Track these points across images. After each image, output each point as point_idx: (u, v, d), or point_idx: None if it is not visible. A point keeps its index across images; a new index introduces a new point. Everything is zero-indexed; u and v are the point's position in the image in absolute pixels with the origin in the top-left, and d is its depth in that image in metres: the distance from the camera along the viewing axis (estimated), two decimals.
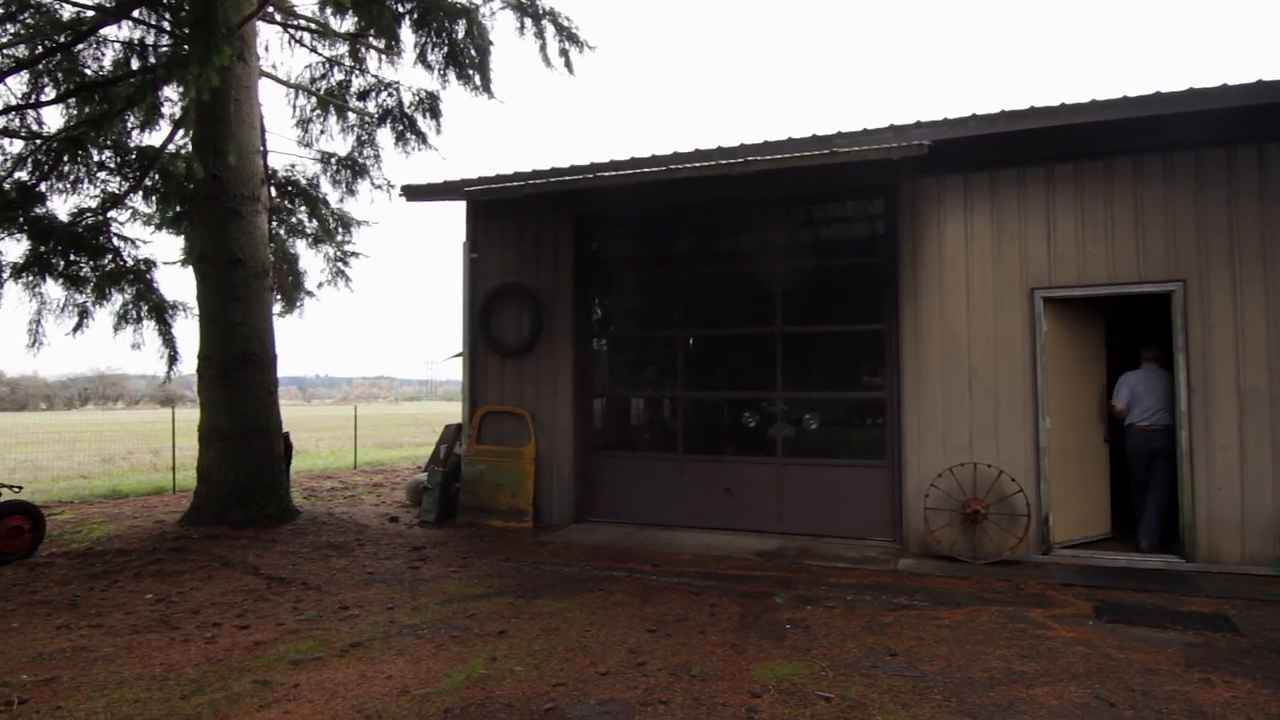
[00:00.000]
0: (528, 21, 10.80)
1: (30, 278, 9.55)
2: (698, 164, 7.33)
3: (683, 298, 9.44)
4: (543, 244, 9.16)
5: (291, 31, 11.27)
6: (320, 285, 12.98)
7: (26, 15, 8.39)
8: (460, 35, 10.28)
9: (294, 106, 12.01)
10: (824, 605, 5.56)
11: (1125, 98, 6.32)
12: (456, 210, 9.62)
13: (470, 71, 10.55)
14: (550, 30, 10.88)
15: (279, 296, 12.18)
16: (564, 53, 11.01)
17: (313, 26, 11.18)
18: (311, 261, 12.58)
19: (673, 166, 7.38)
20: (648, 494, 8.83)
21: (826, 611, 5.41)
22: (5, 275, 9.37)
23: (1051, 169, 7.04)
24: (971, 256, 7.26)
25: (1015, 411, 7.04)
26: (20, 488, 8.13)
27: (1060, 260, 6.97)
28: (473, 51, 10.41)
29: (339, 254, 13.06)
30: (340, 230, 12.85)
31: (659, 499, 8.77)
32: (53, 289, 9.82)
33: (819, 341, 10.52)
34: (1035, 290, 7.02)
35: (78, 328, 10.19)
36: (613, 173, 7.76)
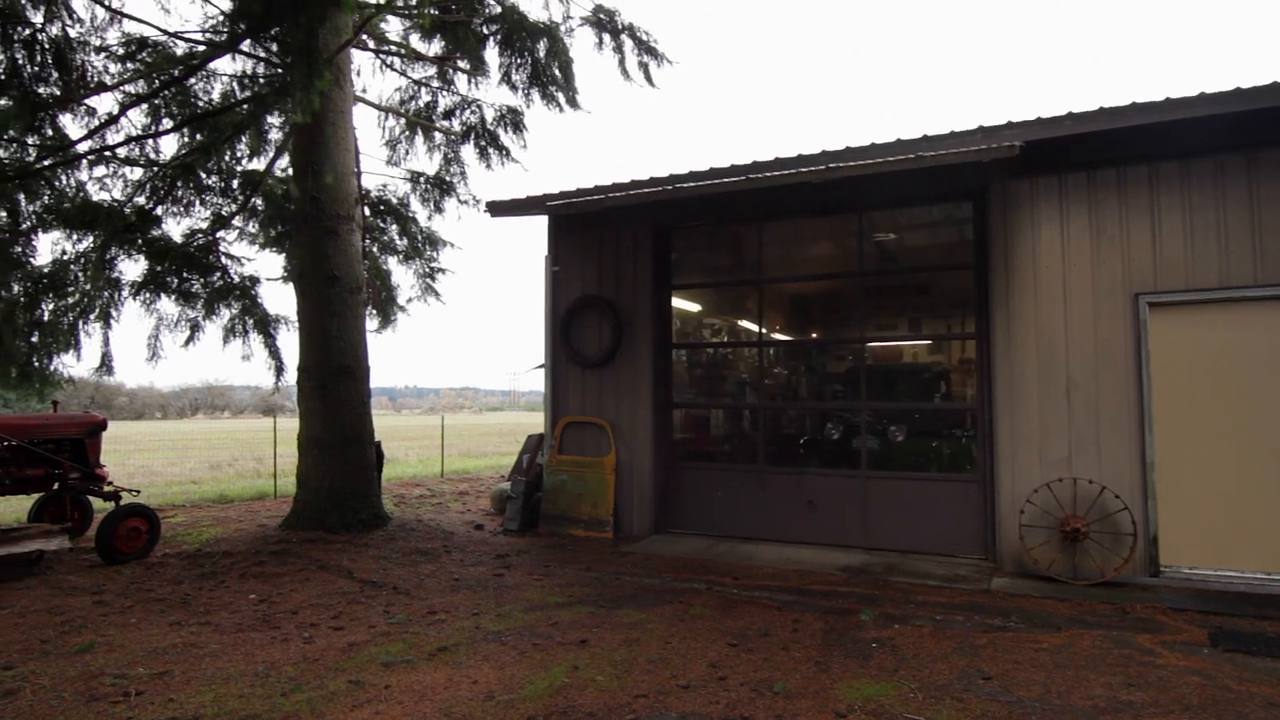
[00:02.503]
0: (606, 37, 10.96)
1: (148, 295, 10.29)
2: (778, 172, 7.26)
3: (763, 307, 9.36)
4: (622, 256, 9.24)
5: (383, 57, 11.77)
6: (410, 301, 13.46)
7: (144, 54, 9.05)
8: (542, 54, 10.53)
9: (384, 128, 12.54)
10: (912, 624, 5.38)
11: (1237, 90, 5.94)
12: (539, 223, 9.84)
13: (553, 89, 10.78)
14: (629, 44, 11.01)
15: (374, 312, 12.70)
16: (643, 65, 11.11)
17: (402, 51, 11.65)
18: (402, 278, 13.11)
19: (752, 176, 7.33)
20: (728, 506, 8.75)
21: (915, 631, 5.23)
22: (125, 293, 10.12)
23: (1155, 167, 6.66)
24: (1069, 261, 6.93)
25: (1119, 424, 6.66)
26: (139, 492, 8.71)
27: (1167, 264, 6.58)
28: (555, 69, 10.64)
29: (427, 270, 13.52)
30: (428, 247, 13.31)
31: (739, 511, 8.68)
32: (167, 305, 10.56)
33: (904, 350, 10.23)
34: (1140, 295, 6.64)
35: (189, 340, 10.92)
36: (692, 184, 7.77)
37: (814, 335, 11.40)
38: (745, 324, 10.40)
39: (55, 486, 7.97)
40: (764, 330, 9.48)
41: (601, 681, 4.31)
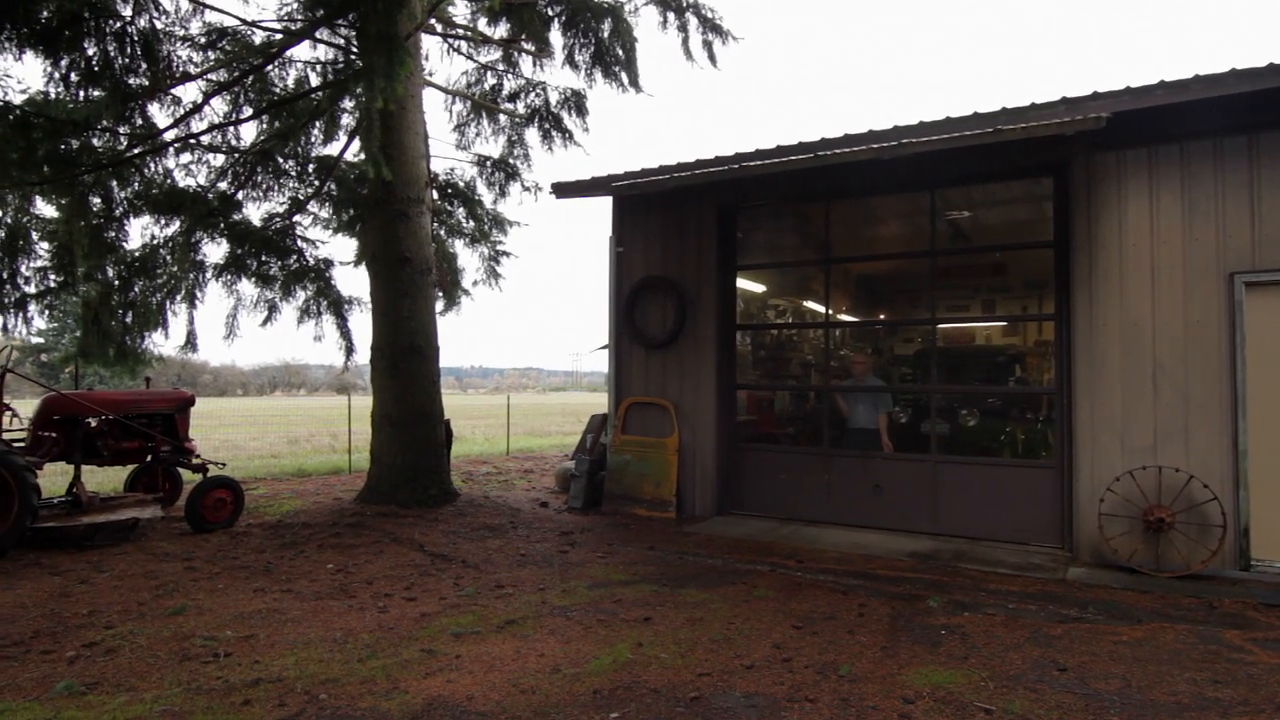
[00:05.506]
0: (670, 15, 10.84)
1: (229, 277, 10.71)
2: (847, 149, 7.10)
3: (829, 288, 9.19)
4: (686, 236, 9.19)
5: (450, 41, 11.91)
6: (475, 284, 13.69)
7: (225, 43, 9.36)
8: (606, 34, 10.48)
9: (451, 112, 12.70)
10: (983, 612, 5.26)
11: None
12: (602, 204, 9.86)
13: (616, 69, 10.74)
14: (693, 22, 10.88)
15: (440, 294, 12.96)
16: (707, 44, 10.97)
17: (469, 34, 11.76)
18: (468, 260, 13.31)
19: (820, 154, 7.17)
20: (792, 488, 8.67)
21: (986, 619, 5.11)
22: (209, 275, 10.56)
23: (1256, 138, 6.25)
24: (1157, 238, 6.59)
25: (1210, 410, 6.33)
26: (224, 465, 9.14)
27: (1267, 241, 6.19)
28: (619, 49, 10.58)
29: (492, 253, 13.72)
30: (494, 230, 13.48)
31: (803, 494, 8.59)
32: (247, 287, 10.98)
33: (977, 332, 9.94)
34: (1235, 275, 6.27)
35: (267, 321, 11.34)
36: (758, 162, 7.66)
37: (882, 316, 11.16)
38: (811, 305, 10.25)
39: (148, 459, 8.42)
40: (830, 311, 9.32)
41: (665, 659, 4.34)
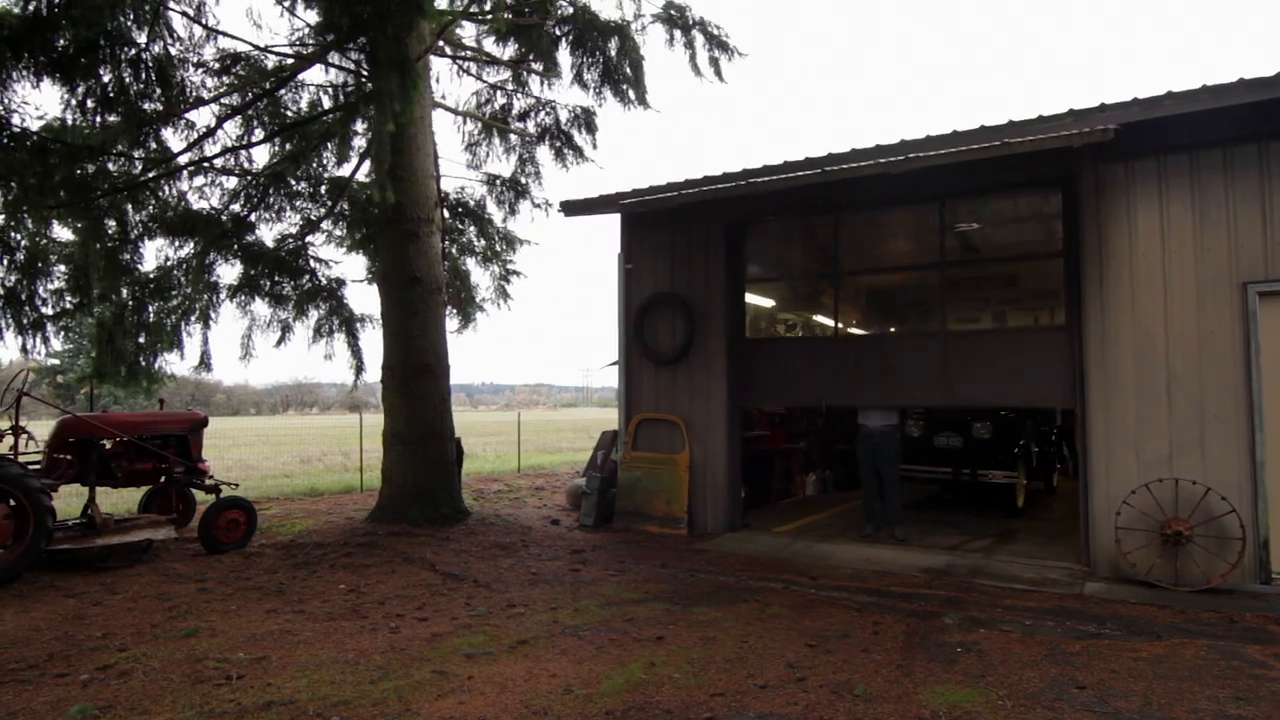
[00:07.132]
0: (677, 33, 10.91)
1: (243, 297, 10.81)
2: (854, 164, 7.10)
3: (839, 302, 9.17)
4: (694, 252, 9.21)
5: (460, 63, 12.04)
6: (485, 300, 13.74)
7: (238, 67, 9.51)
8: (613, 53, 10.57)
9: (462, 132, 12.81)
10: (999, 629, 5.20)
11: None
12: (612, 220, 9.90)
13: (625, 86, 10.81)
14: (700, 40, 10.94)
15: (454, 312, 13.02)
16: (714, 61, 11.03)
17: (478, 56, 11.88)
18: (480, 278, 13.38)
19: (828, 169, 7.18)
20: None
21: (1002, 635, 5.05)
22: (222, 295, 10.67)
23: (1266, 146, 6.22)
24: (1169, 249, 6.55)
25: (1226, 421, 6.26)
26: (237, 485, 9.17)
27: (1279, 250, 6.14)
28: (626, 67, 10.66)
29: (503, 272, 13.78)
30: (505, 249, 13.55)
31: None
32: (260, 307, 11.08)
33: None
34: (1248, 284, 6.22)
35: (281, 341, 11.43)
36: (766, 178, 7.68)
37: (892, 330, 11.13)
38: (820, 319, 10.24)
39: (162, 480, 8.46)
40: (840, 325, 9.29)
41: (678, 679, 4.31)
